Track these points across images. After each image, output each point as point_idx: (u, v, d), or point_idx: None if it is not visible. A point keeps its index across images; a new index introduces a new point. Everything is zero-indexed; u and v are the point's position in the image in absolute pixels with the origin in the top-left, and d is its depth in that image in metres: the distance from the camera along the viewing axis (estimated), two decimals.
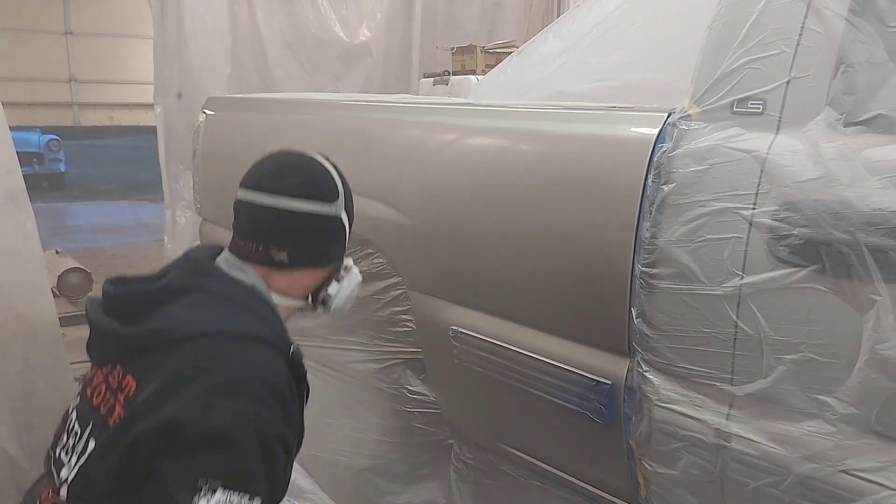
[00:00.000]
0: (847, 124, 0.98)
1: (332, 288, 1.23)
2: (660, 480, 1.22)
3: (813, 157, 0.98)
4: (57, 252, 4.33)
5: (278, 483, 1.08)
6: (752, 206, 1.03)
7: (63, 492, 1.03)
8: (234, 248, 1.16)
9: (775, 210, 1.00)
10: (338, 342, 1.91)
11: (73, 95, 13.98)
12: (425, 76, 4.60)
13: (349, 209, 1.22)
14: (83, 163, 11.45)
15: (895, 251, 0.90)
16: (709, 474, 1.14)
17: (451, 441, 1.78)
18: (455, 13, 5.18)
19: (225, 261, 1.15)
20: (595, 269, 1.24)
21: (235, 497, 0.95)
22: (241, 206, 1.16)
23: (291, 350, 1.09)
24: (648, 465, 1.22)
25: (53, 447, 1.10)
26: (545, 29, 2.03)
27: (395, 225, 1.60)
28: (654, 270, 1.13)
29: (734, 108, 1.09)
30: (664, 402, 1.16)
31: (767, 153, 1.03)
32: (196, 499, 0.93)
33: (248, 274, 1.13)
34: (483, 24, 5.27)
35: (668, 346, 1.14)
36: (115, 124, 14.63)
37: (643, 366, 1.19)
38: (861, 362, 0.94)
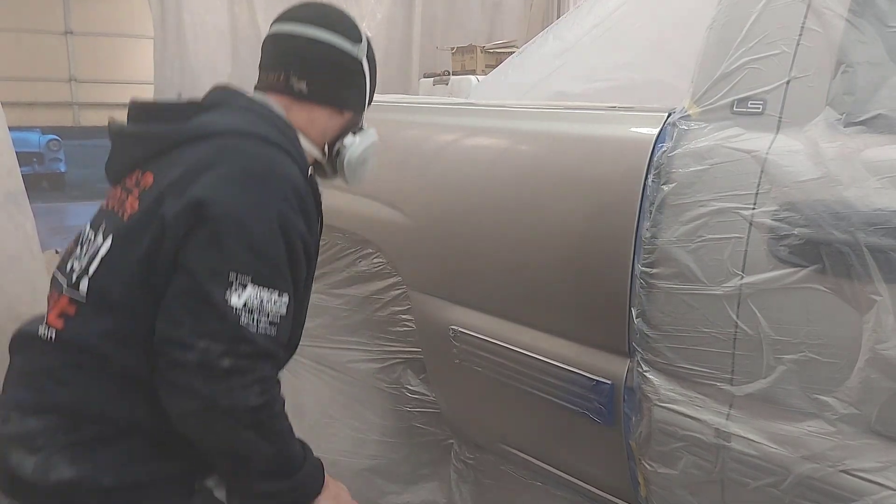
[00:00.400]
0: (847, 124, 0.98)
1: (348, 139, 1.21)
2: (660, 480, 1.22)
3: (813, 157, 0.98)
4: (57, 252, 4.32)
5: (299, 305, 1.08)
6: (752, 206, 1.03)
7: (83, 286, 1.01)
8: (258, 85, 1.18)
9: (775, 210, 1.00)
10: (338, 342, 1.91)
11: (73, 95, 13.98)
12: (425, 76, 4.61)
13: (371, 61, 1.23)
14: (83, 163, 11.44)
15: (895, 251, 0.90)
16: (709, 474, 1.14)
17: (451, 441, 1.78)
18: (455, 13, 5.19)
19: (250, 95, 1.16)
20: (595, 269, 1.24)
21: (265, 293, 0.95)
22: (266, 42, 1.18)
23: (309, 172, 1.11)
24: (648, 465, 1.22)
25: (62, 266, 1.09)
26: (545, 29, 2.03)
27: (395, 225, 1.60)
28: (654, 270, 1.13)
29: (734, 108, 1.09)
30: (664, 402, 1.16)
31: (767, 153, 1.03)
32: (228, 293, 0.93)
33: (270, 102, 1.13)
34: (483, 24, 5.28)
35: (668, 346, 1.14)
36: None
37: (643, 366, 1.19)
38: (861, 362, 0.94)
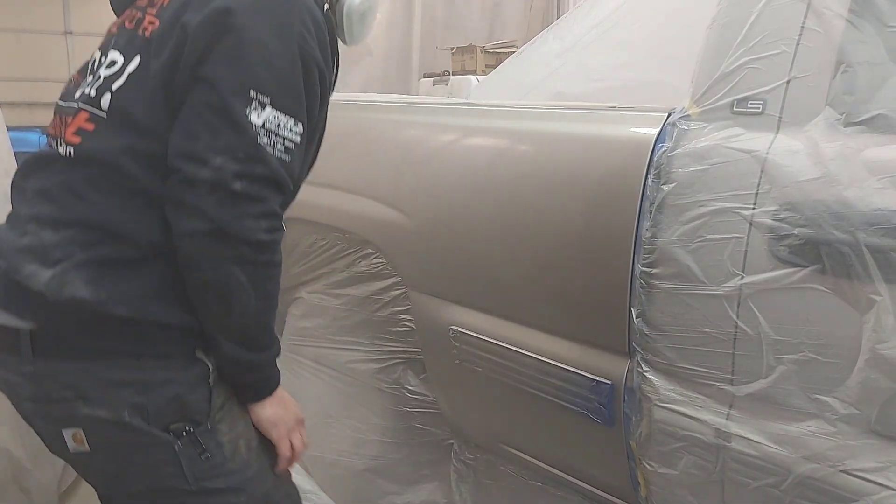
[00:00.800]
0: (847, 124, 0.98)
1: None
2: (660, 480, 1.22)
3: (813, 157, 0.98)
4: None
5: (308, 145, 1.05)
6: (752, 206, 1.03)
7: (105, 100, 0.98)
8: None
9: (775, 210, 1.00)
10: (338, 342, 1.91)
11: None
12: (425, 76, 4.61)
13: None
14: None
15: (895, 251, 0.90)
16: (709, 474, 1.14)
17: (451, 441, 1.78)
18: (455, 13, 5.19)
19: None
20: (595, 269, 1.24)
21: (283, 118, 0.94)
22: None
23: (325, 7, 1.06)
24: (648, 465, 1.22)
25: (66, 97, 1.06)
26: (545, 29, 2.02)
27: (395, 225, 1.60)
28: (654, 270, 1.13)
29: (734, 108, 1.09)
30: (664, 402, 1.16)
31: (767, 153, 1.02)
32: (248, 110, 0.91)
33: None
34: (483, 24, 5.28)
35: (668, 346, 1.14)
36: None
37: (643, 366, 1.19)
38: (861, 362, 0.94)
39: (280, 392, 1.08)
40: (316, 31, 0.99)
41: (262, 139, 0.92)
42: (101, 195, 0.96)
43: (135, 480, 1.02)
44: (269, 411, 1.07)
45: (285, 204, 1.01)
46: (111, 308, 0.94)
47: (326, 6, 1.07)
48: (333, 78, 1.11)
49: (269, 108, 0.93)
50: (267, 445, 1.09)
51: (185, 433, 0.99)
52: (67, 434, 0.99)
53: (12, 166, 2.00)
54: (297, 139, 0.96)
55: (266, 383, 1.06)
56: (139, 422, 0.97)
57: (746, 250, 1.03)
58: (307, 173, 1.15)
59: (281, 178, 0.95)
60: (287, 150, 0.95)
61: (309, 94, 0.99)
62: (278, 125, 0.94)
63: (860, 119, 0.97)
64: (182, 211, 0.92)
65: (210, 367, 1.02)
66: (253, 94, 0.92)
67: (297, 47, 0.96)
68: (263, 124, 0.92)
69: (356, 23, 1.15)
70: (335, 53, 1.10)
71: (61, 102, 1.06)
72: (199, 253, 0.94)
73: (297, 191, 1.11)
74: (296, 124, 0.96)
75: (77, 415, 0.97)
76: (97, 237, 0.95)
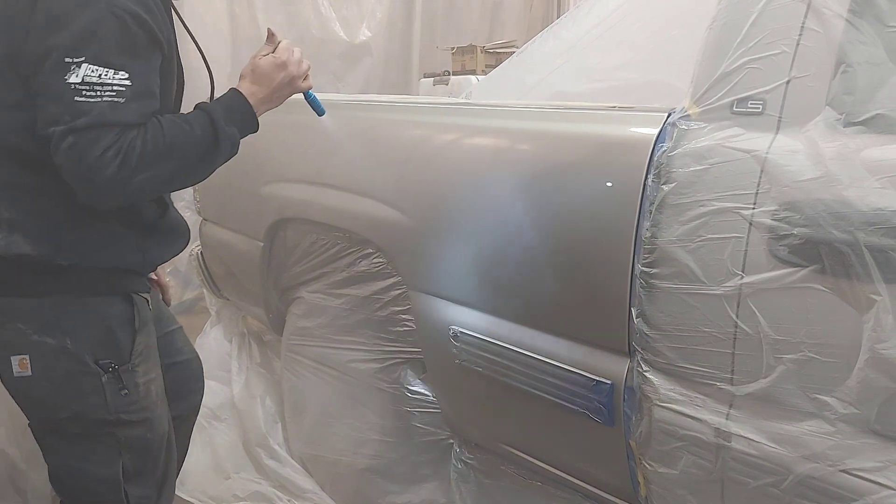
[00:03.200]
0: (847, 124, 0.98)
1: None
2: (660, 480, 1.22)
3: (813, 157, 0.98)
4: None
5: (166, 78, 1.21)
6: (751, 206, 1.03)
7: None
8: None
9: (775, 210, 1.00)
10: (338, 342, 1.91)
11: None
12: (425, 76, 4.61)
13: None
14: None
15: (895, 251, 0.90)
16: (709, 474, 1.14)
17: (451, 441, 1.78)
18: (455, 13, 5.19)
19: None
20: (595, 268, 1.24)
21: (102, 70, 1.05)
22: None
23: None
24: (648, 464, 1.22)
25: None
26: (545, 29, 2.03)
27: (396, 225, 1.60)
28: (654, 270, 1.13)
29: (734, 108, 1.09)
30: (664, 401, 1.16)
31: (767, 153, 1.03)
32: (67, 75, 1.04)
33: None
34: (483, 24, 5.27)
35: (668, 345, 1.14)
36: None
37: (643, 366, 1.19)
38: (861, 362, 0.94)
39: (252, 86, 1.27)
40: None
41: (82, 96, 1.04)
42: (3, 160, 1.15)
43: (64, 407, 1.22)
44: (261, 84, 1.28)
45: (145, 115, 1.12)
46: (56, 258, 1.16)
47: None
48: (170, 21, 1.25)
49: (84, 66, 1.05)
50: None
51: (110, 369, 1.22)
52: (15, 360, 1.19)
53: None
54: (126, 82, 1.08)
55: (244, 115, 1.25)
56: (78, 350, 1.19)
57: (746, 250, 1.03)
58: (177, 107, 1.33)
59: (108, 119, 1.06)
60: (118, 93, 1.07)
61: (133, 42, 1.10)
62: (99, 76, 1.06)
63: (860, 119, 0.97)
64: (64, 174, 1.08)
65: (137, 311, 1.25)
66: (68, 60, 1.05)
67: (105, 5, 1.07)
68: (83, 80, 1.05)
69: None
70: (168, 5, 1.25)
71: None
72: (119, 199, 1.12)
73: (171, 110, 1.27)
74: (117, 72, 1.07)
75: (27, 341, 1.18)
76: (16, 194, 1.16)
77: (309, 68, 1.35)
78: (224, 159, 1.22)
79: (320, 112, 1.51)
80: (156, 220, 1.31)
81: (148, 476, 1.32)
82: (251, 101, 1.25)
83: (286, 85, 1.30)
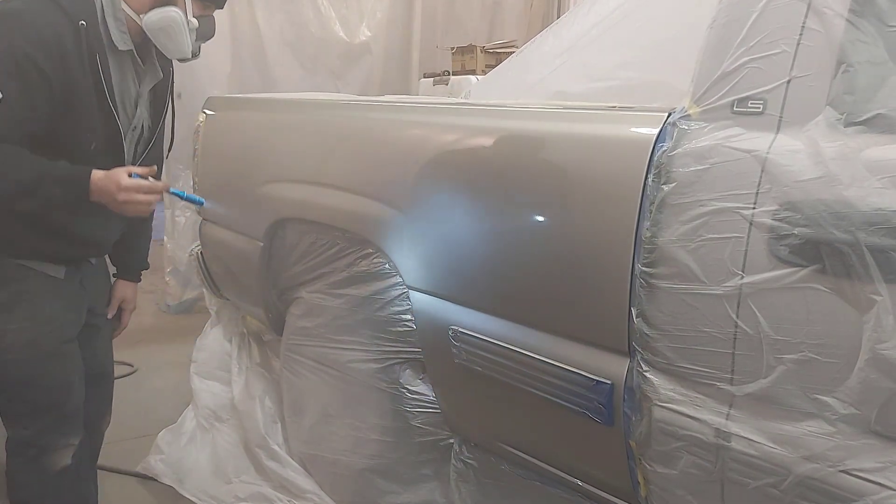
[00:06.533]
0: (847, 124, 0.98)
1: (152, 11, 1.57)
2: (660, 480, 1.22)
3: (813, 157, 0.98)
4: None
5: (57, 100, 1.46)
6: (752, 206, 1.03)
7: None
8: None
9: (775, 210, 1.00)
10: (338, 342, 1.91)
11: None
12: (425, 76, 4.61)
13: None
14: None
15: (895, 251, 0.90)
16: (709, 474, 1.14)
17: (451, 441, 1.78)
18: (455, 13, 5.19)
19: None
20: (595, 268, 1.24)
21: None
22: None
23: (83, 24, 1.46)
24: (648, 465, 1.22)
25: None
26: (545, 29, 2.03)
27: (395, 225, 1.60)
28: (654, 270, 1.13)
29: (734, 108, 1.09)
30: (664, 401, 1.16)
31: (767, 153, 1.02)
32: None
33: None
34: (483, 24, 5.27)
35: (668, 345, 1.14)
36: None
37: (643, 366, 1.19)
38: (861, 362, 0.94)
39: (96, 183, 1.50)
40: (38, 39, 1.41)
41: None
42: None
43: None
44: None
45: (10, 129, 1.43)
46: None
47: (82, 22, 1.46)
48: (89, 67, 1.50)
49: None
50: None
51: None
52: None
53: None
54: None
55: (77, 178, 1.50)
56: None
57: (746, 250, 1.03)
58: (75, 133, 1.54)
59: None
60: None
61: (22, 76, 1.41)
62: None
63: (860, 119, 0.97)
64: None
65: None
66: None
67: (7, 47, 1.39)
68: None
69: (157, 34, 1.58)
70: (91, 52, 1.49)
71: None
72: None
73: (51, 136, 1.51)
74: None
75: None
76: None
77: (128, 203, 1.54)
78: (35, 207, 1.49)
79: (199, 202, 1.80)
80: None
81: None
82: (92, 188, 1.49)
83: (111, 201, 1.51)
